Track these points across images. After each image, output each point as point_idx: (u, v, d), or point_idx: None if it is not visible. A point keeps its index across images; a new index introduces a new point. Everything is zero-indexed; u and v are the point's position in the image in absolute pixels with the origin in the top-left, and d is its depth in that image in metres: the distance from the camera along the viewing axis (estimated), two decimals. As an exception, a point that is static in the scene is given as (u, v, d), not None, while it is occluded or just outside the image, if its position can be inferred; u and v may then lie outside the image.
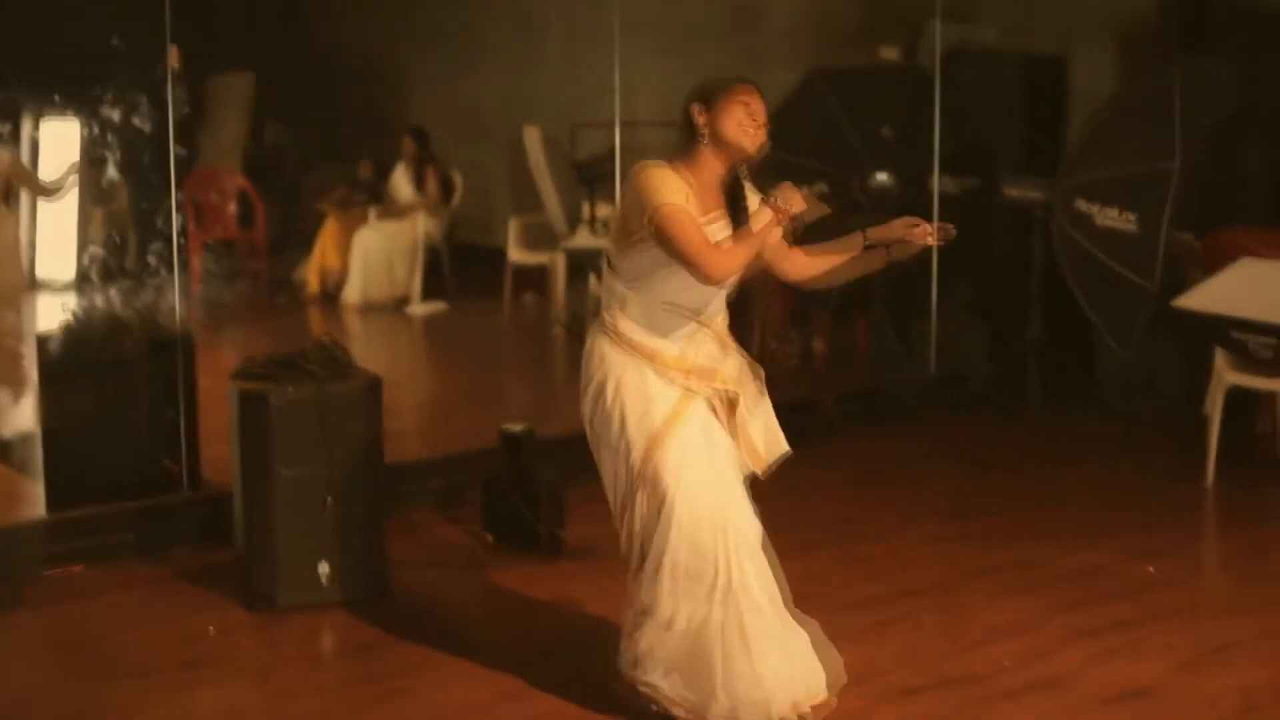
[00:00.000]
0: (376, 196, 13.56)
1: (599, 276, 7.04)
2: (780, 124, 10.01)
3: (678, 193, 4.72)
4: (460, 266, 13.59)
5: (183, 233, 7.14)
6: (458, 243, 13.84)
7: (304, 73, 14.62)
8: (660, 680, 4.90)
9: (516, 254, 12.85)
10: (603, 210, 11.52)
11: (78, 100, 7.90)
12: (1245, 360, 7.78)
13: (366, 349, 12.07)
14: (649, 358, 4.88)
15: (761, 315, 10.71)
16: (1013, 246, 9.68)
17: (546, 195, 11.85)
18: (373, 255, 12.98)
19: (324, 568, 6.13)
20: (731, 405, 4.97)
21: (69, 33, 7.83)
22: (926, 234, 4.92)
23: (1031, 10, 10.68)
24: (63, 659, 5.83)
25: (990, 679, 5.46)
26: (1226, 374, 7.90)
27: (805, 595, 6.21)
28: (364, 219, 13.31)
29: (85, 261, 10.83)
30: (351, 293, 12.99)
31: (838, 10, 11.82)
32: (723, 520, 4.84)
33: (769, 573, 4.96)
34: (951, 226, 4.97)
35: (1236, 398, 8.45)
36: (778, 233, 4.92)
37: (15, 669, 5.73)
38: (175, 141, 6.68)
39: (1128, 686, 5.40)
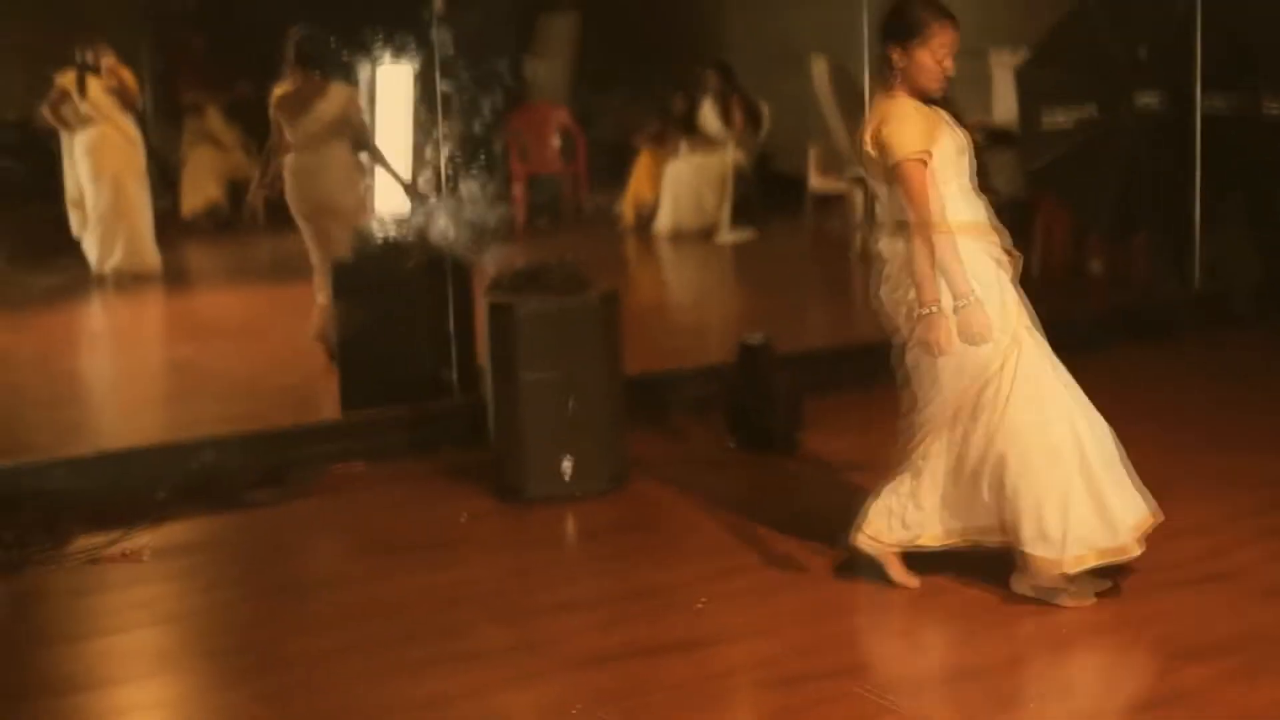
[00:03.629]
0: (689, 130, 14.15)
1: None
2: (1052, 46, 10.30)
3: (922, 130, 5.24)
4: (775, 195, 14.09)
5: (450, 161, 7.83)
6: (773, 172, 14.33)
7: (625, 11, 15.23)
8: None
9: (816, 181, 13.31)
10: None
11: (353, 43, 8.68)
12: None
13: (674, 275, 12.78)
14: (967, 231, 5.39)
15: (1043, 234, 10.99)
16: (1276, 164, 9.72)
17: (833, 124, 12.27)
18: (682, 186, 13.61)
19: (567, 463, 6.78)
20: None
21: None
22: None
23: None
24: (331, 538, 6.70)
25: (1167, 570, 5.75)
26: None
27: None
28: (676, 152, 13.93)
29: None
30: (663, 223, 13.66)
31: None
32: None
33: None
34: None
35: None
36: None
37: (290, 545, 6.60)
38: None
39: (1296, 581, 5.67)
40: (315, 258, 8.87)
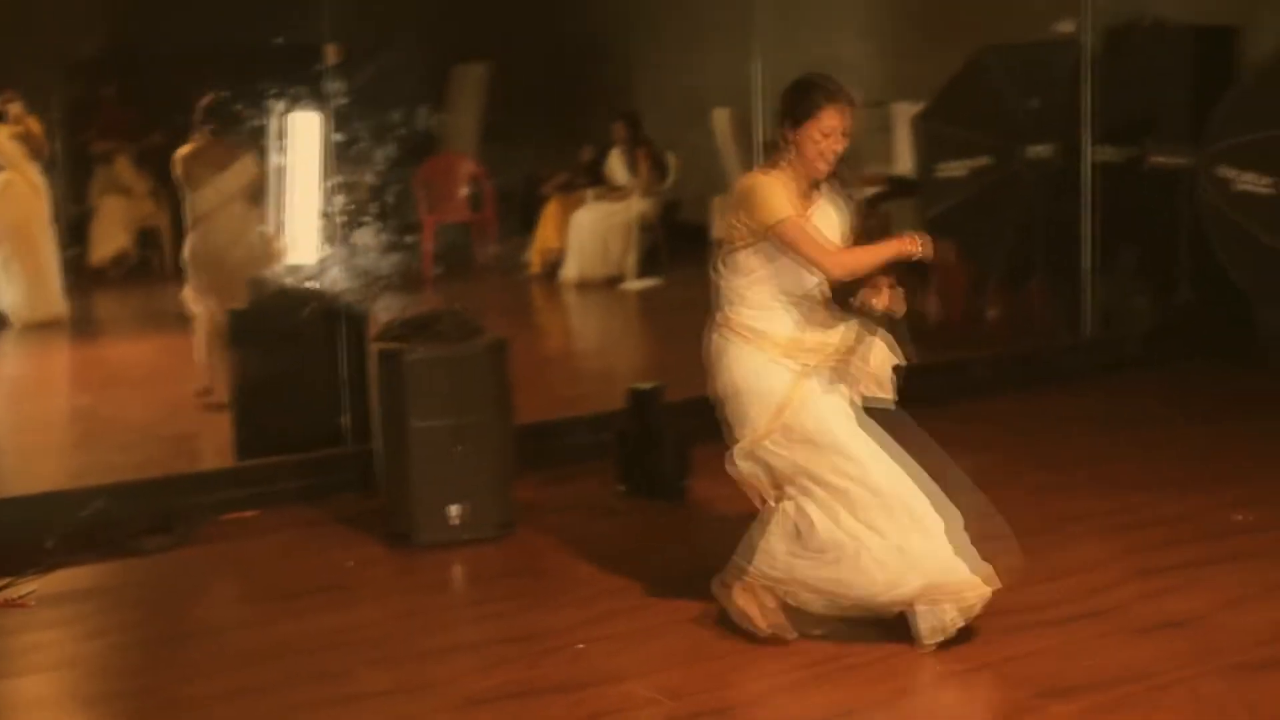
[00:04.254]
0: (595, 179, 14.29)
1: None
2: (947, 99, 10.51)
3: (788, 203, 5.35)
4: (682, 244, 14.19)
5: (345, 210, 7.96)
6: (678, 221, 14.45)
7: (535, 61, 15.34)
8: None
9: (720, 230, 13.42)
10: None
11: (250, 96, 8.82)
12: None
13: (579, 322, 12.88)
14: (768, 344, 5.47)
15: (941, 281, 11.15)
16: (1164, 212, 9.94)
17: (735, 175, 12.40)
18: (588, 235, 13.72)
19: (454, 509, 6.84)
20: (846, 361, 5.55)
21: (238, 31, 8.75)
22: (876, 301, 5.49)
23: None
24: (220, 584, 6.75)
25: (1040, 610, 5.87)
26: (1354, 332, 8.11)
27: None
28: (583, 201, 14.06)
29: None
30: (569, 271, 13.77)
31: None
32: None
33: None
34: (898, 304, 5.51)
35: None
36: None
37: (179, 592, 6.61)
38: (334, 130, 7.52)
39: (1167, 618, 5.77)
40: (206, 313, 8.93)
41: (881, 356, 5.60)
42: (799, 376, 5.48)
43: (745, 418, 5.53)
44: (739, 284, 5.51)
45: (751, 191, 5.41)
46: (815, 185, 5.50)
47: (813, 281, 5.48)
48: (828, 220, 5.49)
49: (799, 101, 5.39)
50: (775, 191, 5.37)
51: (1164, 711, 4.99)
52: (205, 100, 9.01)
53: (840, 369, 5.55)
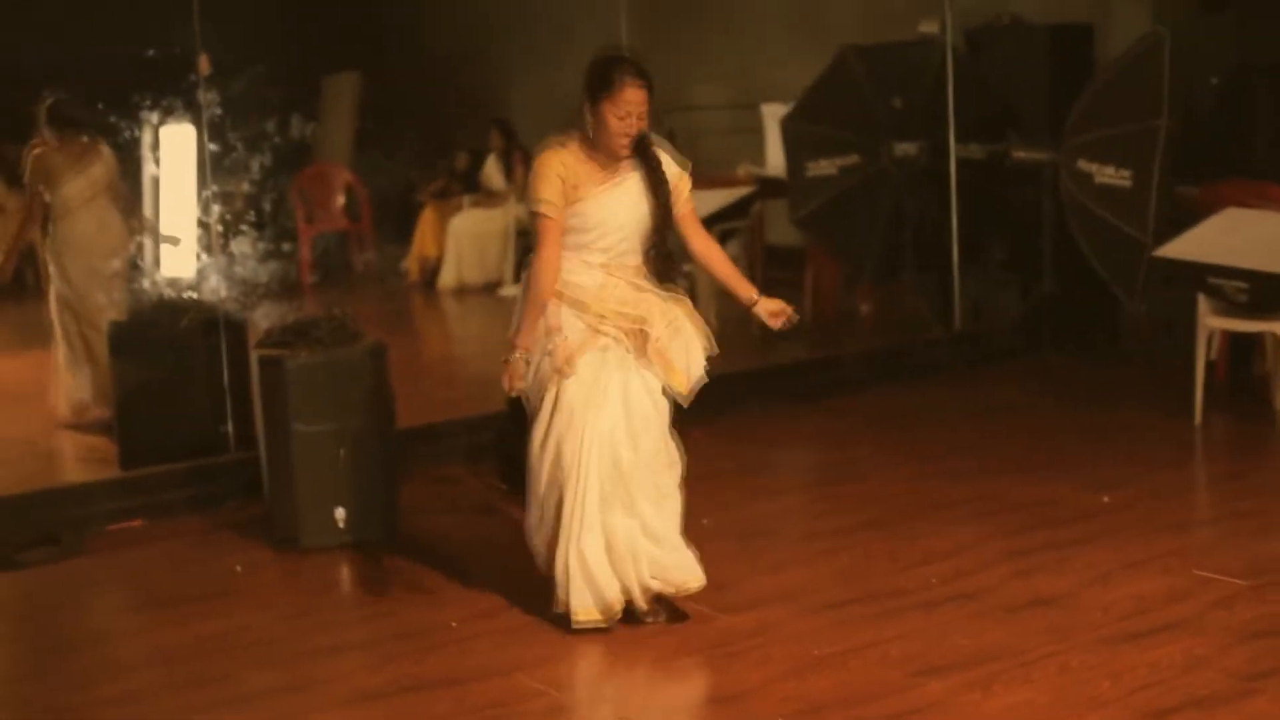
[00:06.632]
0: (472, 186, 14.38)
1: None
2: (814, 100, 10.70)
3: (554, 187, 5.40)
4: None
5: (220, 220, 8.00)
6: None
7: (407, 70, 15.40)
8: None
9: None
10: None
11: (124, 108, 8.82)
12: (1225, 304, 8.24)
13: (457, 328, 12.97)
14: (569, 302, 5.54)
15: (814, 278, 11.35)
16: (1028, 207, 10.19)
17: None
18: (465, 242, 13.82)
19: (340, 513, 6.94)
20: (644, 336, 5.56)
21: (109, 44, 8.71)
22: (773, 319, 5.65)
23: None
24: (106, 594, 6.77)
25: (913, 593, 6.06)
26: (1209, 318, 8.35)
27: (770, 530, 6.98)
28: (460, 208, 14.15)
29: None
30: (446, 277, 13.85)
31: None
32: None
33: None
34: (793, 316, 5.68)
35: (1241, 341, 8.96)
36: (689, 204, 5.62)
37: (64, 603, 6.64)
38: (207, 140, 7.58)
39: (1036, 597, 5.97)
40: (74, 327, 8.88)
41: (695, 353, 5.63)
42: (588, 337, 5.52)
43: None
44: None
45: (534, 167, 5.51)
46: (643, 147, 5.48)
47: (615, 241, 5.52)
48: (627, 197, 5.50)
49: (600, 77, 5.39)
50: (546, 174, 5.43)
51: (1033, 685, 5.17)
52: (47, 100, 8.87)
53: (639, 350, 5.58)
